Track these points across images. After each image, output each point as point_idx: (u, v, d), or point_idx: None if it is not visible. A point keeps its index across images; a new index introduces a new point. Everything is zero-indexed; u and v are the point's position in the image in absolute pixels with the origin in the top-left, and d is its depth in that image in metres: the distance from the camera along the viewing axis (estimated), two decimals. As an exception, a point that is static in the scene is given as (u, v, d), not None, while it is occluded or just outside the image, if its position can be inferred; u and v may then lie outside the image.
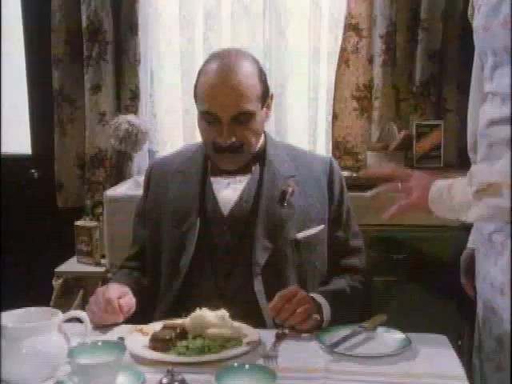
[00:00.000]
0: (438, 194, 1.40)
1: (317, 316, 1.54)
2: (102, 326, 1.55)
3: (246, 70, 1.71)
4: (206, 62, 1.76)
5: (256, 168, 1.80)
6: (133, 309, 1.62)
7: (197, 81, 1.76)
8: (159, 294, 1.78)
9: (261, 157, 1.82)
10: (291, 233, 1.75)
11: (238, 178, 1.79)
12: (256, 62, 1.78)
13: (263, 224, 1.73)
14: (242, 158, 1.76)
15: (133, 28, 2.91)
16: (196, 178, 1.81)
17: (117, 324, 1.57)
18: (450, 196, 1.37)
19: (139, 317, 1.63)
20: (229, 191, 1.78)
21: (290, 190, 1.76)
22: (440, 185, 1.41)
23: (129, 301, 1.61)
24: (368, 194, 1.50)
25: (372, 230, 2.24)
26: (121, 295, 1.60)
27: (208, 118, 1.71)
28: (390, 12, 2.73)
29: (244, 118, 1.69)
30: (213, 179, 1.80)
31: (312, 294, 1.60)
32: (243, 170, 1.79)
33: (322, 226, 1.78)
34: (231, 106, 1.67)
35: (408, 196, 1.46)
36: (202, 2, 2.94)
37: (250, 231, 1.74)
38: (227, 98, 1.67)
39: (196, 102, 1.77)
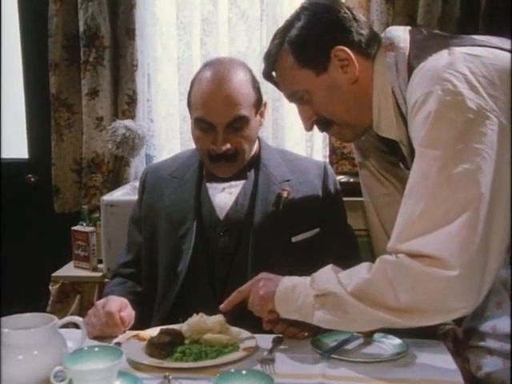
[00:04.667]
0: (283, 295, 1.45)
1: (304, 333, 1.53)
2: (100, 338, 1.54)
3: (240, 78, 1.73)
4: (200, 71, 1.78)
5: (251, 173, 1.81)
6: (132, 321, 1.61)
7: (191, 89, 1.78)
8: (156, 299, 1.78)
9: (255, 162, 1.83)
10: (287, 236, 1.75)
11: (233, 183, 1.80)
12: (249, 70, 1.80)
13: (259, 228, 1.73)
14: (236, 166, 1.77)
15: (130, 33, 2.91)
16: (191, 182, 1.81)
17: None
18: (295, 296, 1.42)
19: (136, 323, 1.62)
20: (224, 195, 1.79)
21: (285, 193, 1.77)
22: (285, 285, 1.45)
23: (129, 313, 1.60)
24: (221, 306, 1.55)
25: (368, 234, 2.24)
26: (121, 308, 1.58)
27: (202, 126, 1.72)
28: (387, 17, 2.73)
29: (238, 125, 1.71)
30: (208, 184, 1.81)
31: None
32: (238, 176, 1.80)
33: (317, 229, 1.79)
34: (226, 113, 1.69)
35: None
36: (199, 8, 2.94)
37: (245, 235, 1.74)
38: (222, 105, 1.69)
39: (190, 110, 1.78)
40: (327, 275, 1.40)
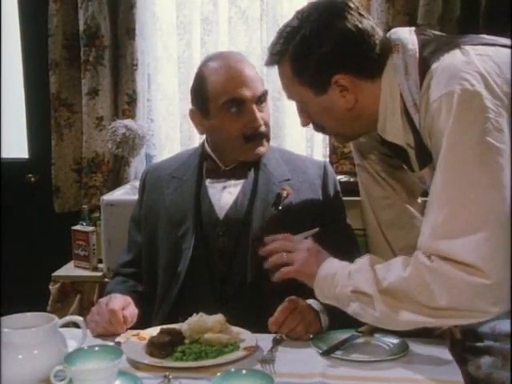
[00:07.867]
0: (322, 281, 1.46)
1: (309, 335, 1.53)
2: (103, 336, 1.54)
3: (249, 62, 1.82)
4: (206, 66, 1.79)
5: (251, 172, 1.81)
6: (135, 319, 1.62)
7: (203, 84, 1.77)
8: (156, 299, 1.78)
9: (256, 161, 1.82)
10: None
11: (233, 182, 1.79)
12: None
13: (258, 227, 1.73)
14: (267, 145, 1.81)
15: (130, 32, 2.91)
16: (191, 182, 1.81)
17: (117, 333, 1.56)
18: (334, 284, 1.44)
19: (136, 323, 1.62)
20: (224, 195, 1.79)
21: (284, 193, 1.77)
22: (325, 273, 1.46)
23: (132, 311, 1.61)
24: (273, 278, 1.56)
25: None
26: (124, 306, 1.59)
27: (233, 109, 1.73)
28: (387, 17, 2.73)
29: (264, 99, 1.78)
30: (208, 183, 1.81)
31: (309, 301, 1.59)
32: (238, 175, 1.80)
33: (317, 229, 1.79)
34: (255, 87, 1.75)
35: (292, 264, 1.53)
36: (199, 7, 2.94)
37: (245, 234, 1.74)
38: (249, 81, 1.74)
39: (208, 102, 1.77)
40: (364, 273, 1.40)
